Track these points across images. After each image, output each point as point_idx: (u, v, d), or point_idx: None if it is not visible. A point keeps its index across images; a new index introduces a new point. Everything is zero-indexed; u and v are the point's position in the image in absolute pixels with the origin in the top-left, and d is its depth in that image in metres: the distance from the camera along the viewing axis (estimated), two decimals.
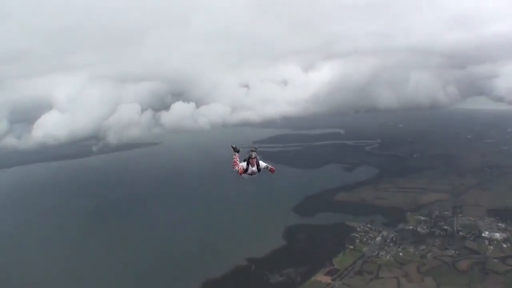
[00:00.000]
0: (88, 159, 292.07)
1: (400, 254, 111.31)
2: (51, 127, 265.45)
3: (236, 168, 18.17)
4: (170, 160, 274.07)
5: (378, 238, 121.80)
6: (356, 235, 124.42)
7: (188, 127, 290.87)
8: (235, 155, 18.61)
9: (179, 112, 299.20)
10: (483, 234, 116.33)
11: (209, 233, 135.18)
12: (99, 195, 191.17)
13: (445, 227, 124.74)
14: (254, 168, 18.05)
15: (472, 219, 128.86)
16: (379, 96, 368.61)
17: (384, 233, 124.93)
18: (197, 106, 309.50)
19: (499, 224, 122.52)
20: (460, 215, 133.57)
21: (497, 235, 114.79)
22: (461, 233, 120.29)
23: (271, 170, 18.70)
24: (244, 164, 18.12)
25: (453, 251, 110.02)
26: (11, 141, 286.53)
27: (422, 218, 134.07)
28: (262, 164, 18.33)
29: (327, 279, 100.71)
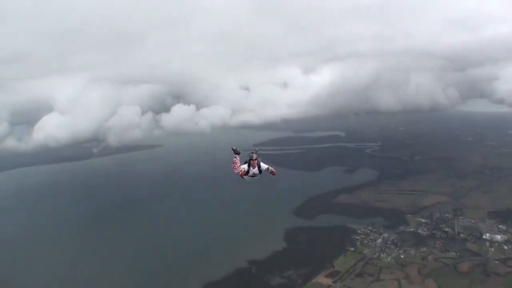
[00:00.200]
0: (88, 161, 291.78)
1: (401, 256, 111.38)
2: (51, 129, 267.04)
3: (236, 170, 18.25)
4: (170, 162, 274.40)
5: (379, 240, 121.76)
6: (357, 237, 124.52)
7: (189, 130, 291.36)
8: (235, 157, 18.68)
9: (179, 115, 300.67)
10: (484, 236, 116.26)
11: (210, 235, 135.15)
12: (100, 197, 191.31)
13: (446, 229, 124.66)
14: (255, 170, 18.13)
15: (473, 221, 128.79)
16: (379, 98, 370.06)
17: (385, 235, 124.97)
18: (198, 108, 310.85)
19: (500, 226, 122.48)
20: (461, 217, 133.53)
21: (498, 237, 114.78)
22: (462, 235, 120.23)
23: (271, 173, 18.76)
24: (245, 166, 18.20)
25: (454, 253, 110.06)
26: (11, 143, 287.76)
27: (423, 220, 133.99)
28: (263, 165, 18.40)
29: (328, 281, 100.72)
